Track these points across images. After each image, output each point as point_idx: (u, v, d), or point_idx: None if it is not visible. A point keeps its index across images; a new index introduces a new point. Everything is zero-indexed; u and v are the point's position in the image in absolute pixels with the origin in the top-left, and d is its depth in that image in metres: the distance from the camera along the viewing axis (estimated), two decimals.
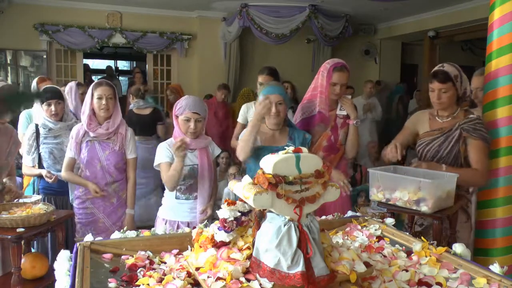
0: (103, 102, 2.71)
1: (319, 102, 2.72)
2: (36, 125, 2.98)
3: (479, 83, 2.83)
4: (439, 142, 2.44)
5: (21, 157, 3.09)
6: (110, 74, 9.09)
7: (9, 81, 6.58)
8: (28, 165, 2.99)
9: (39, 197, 2.66)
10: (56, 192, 2.97)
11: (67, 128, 2.98)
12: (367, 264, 1.27)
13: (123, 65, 12.19)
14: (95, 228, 2.74)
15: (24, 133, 3.20)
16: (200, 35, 7.44)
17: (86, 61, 8.45)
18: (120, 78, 10.42)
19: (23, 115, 3.36)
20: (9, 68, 6.73)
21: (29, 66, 6.84)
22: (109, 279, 1.32)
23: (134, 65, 11.31)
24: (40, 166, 2.98)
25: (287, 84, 5.75)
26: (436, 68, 2.48)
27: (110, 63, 10.92)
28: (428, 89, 2.48)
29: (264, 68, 3.34)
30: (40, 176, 2.96)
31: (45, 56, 6.82)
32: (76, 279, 1.26)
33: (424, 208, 2.10)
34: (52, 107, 2.92)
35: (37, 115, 3.10)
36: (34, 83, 3.62)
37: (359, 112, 6.60)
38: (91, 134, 2.74)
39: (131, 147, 2.83)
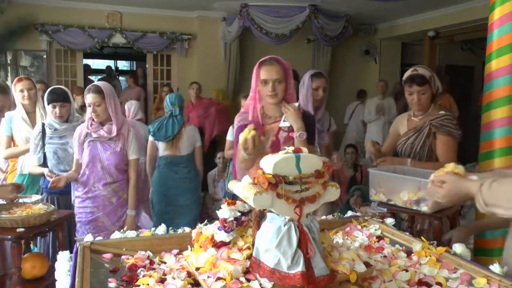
0: (91, 110, 2.72)
1: (250, 109, 2.25)
2: (43, 125, 3.01)
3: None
4: (412, 139, 2.55)
5: None
6: (109, 74, 9.08)
7: (9, 81, 6.59)
8: (33, 164, 3.01)
9: (39, 197, 2.67)
10: (59, 191, 2.97)
11: (72, 129, 2.99)
12: (367, 264, 1.27)
13: (123, 65, 12.17)
14: (95, 227, 2.75)
15: (7, 135, 3.26)
16: (200, 35, 7.44)
17: (86, 61, 8.44)
18: (120, 78, 10.40)
19: (5, 117, 3.29)
20: (9, 68, 6.72)
21: (29, 66, 6.83)
22: (109, 279, 1.32)
23: (134, 65, 11.31)
24: (45, 165, 3.00)
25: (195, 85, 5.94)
26: (410, 72, 2.58)
27: (110, 63, 10.90)
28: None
29: None
30: (43, 175, 2.98)
31: (45, 56, 6.82)
32: (76, 279, 1.26)
33: (424, 208, 2.10)
34: (57, 110, 2.95)
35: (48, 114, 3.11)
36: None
37: (372, 113, 6.63)
38: (93, 135, 2.76)
39: (132, 147, 2.84)
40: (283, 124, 2.22)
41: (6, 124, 3.30)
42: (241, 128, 2.18)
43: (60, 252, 1.51)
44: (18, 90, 3.28)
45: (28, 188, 3.21)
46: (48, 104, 2.96)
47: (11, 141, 3.30)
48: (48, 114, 3.02)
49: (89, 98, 2.71)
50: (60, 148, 2.98)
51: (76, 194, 2.83)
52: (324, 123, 3.10)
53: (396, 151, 2.70)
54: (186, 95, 6.76)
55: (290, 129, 2.21)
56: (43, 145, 2.99)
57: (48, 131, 2.99)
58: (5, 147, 3.30)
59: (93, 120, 2.76)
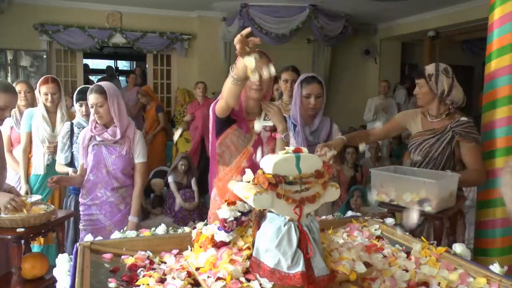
0: (93, 111, 2.59)
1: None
2: (71, 124, 3.01)
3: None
4: (430, 142, 2.46)
5: None
6: (110, 74, 9.08)
7: (9, 81, 6.60)
8: (60, 163, 3.00)
9: (39, 197, 2.66)
10: None
11: None
12: (367, 264, 1.27)
13: (123, 65, 12.17)
14: (104, 237, 2.62)
15: (27, 131, 3.25)
16: (200, 35, 7.44)
17: (86, 61, 8.45)
18: (120, 78, 10.40)
19: (26, 114, 3.31)
20: (9, 68, 6.73)
21: (29, 66, 6.83)
22: (109, 279, 1.32)
23: (134, 65, 11.31)
24: (72, 165, 2.96)
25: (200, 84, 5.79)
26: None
27: (110, 63, 10.92)
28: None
29: (287, 66, 3.35)
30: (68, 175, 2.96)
31: (45, 56, 6.82)
32: (76, 279, 1.26)
33: (427, 208, 2.08)
34: (83, 108, 2.94)
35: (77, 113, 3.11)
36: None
37: (371, 112, 6.63)
38: (98, 138, 2.62)
39: (139, 150, 2.67)
40: (265, 123, 2.11)
41: (26, 121, 3.28)
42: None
43: (59, 255, 1.51)
44: (42, 92, 3.24)
45: (40, 189, 3.21)
46: (76, 102, 2.98)
47: (29, 137, 3.27)
48: (77, 113, 3.02)
49: (91, 98, 2.57)
50: None
51: (81, 201, 2.68)
52: (321, 134, 2.69)
53: (409, 152, 2.62)
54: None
55: (272, 128, 2.10)
56: (71, 144, 2.96)
57: (76, 131, 2.95)
58: (23, 144, 3.27)
59: (96, 122, 2.61)
